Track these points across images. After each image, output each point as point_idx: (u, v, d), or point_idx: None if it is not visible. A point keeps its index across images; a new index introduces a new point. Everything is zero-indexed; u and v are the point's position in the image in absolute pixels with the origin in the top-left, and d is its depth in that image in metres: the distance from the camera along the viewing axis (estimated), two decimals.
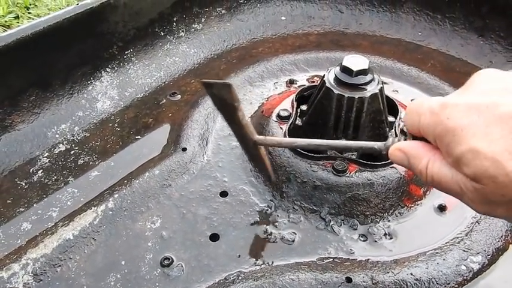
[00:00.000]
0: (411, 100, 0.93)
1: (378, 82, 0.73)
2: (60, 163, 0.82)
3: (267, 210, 0.72)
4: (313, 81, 0.97)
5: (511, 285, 0.65)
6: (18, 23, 1.98)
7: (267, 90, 0.96)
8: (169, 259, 0.65)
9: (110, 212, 0.71)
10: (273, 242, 0.68)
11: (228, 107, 0.54)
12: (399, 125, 0.79)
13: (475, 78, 0.40)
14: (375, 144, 0.51)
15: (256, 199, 0.74)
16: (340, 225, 0.70)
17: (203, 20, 1.11)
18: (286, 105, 0.84)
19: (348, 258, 0.66)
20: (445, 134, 0.38)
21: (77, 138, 0.87)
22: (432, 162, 0.41)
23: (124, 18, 0.97)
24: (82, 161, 0.82)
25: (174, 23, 1.07)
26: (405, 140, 0.46)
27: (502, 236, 0.69)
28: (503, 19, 1.02)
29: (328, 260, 0.66)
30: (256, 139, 0.58)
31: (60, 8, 1.98)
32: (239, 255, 0.66)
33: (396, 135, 0.48)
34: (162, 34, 1.06)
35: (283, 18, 1.17)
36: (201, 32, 1.11)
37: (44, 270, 0.64)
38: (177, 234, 0.69)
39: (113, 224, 0.70)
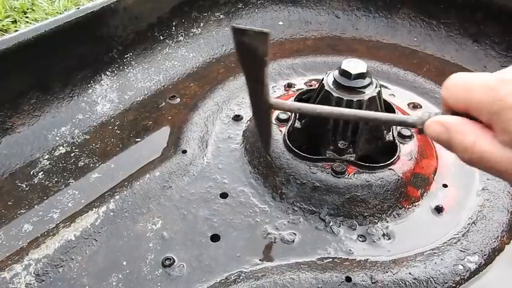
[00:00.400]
0: (407, 104, 0.94)
1: (376, 85, 0.74)
2: (60, 165, 0.82)
3: (267, 211, 0.73)
4: (311, 85, 0.98)
5: (507, 285, 0.66)
6: (15, 27, 1.98)
7: None
8: (170, 259, 0.66)
9: (111, 213, 0.72)
10: (273, 242, 0.69)
11: (255, 61, 0.48)
12: (396, 128, 0.81)
13: None
14: (409, 118, 0.47)
15: (256, 200, 0.75)
16: (339, 225, 0.71)
17: (202, 24, 1.13)
18: None
19: (347, 258, 0.67)
20: (505, 111, 0.36)
21: (77, 141, 0.87)
22: (482, 139, 0.39)
23: (124, 22, 0.98)
24: (82, 163, 0.83)
25: (173, 28, 1.08)
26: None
27: (498, 237, 0.70)
28: (497, 25, 1.04)
29: (328, 260, 0.67)
30: (272, 102, 0.54)
31: (57, 13, 1.99)
32: (240, 256, 0.67)
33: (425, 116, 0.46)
34: (161, 38, 1.07)
35: (280, 23, 1.19)
36: (199, 36, 1.12)
37: (46, 270, 0.64)
38: (178, 235, 0.70)
39: (114, 225, 0.70)
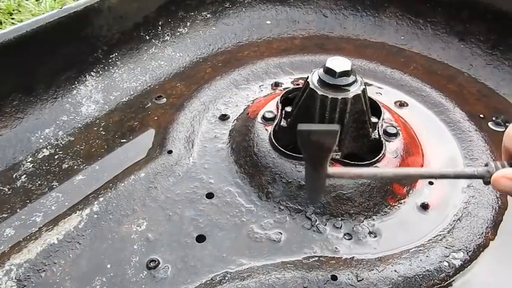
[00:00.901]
0: (394, 102, 0.94)
1: (361, 83, 0.74)
2: (44, 168, 0.81)
3: (253, 210, 0.73)
4: (298, 84, 0.98)
5: (491, 281, 0.66)
6: (1, 28, 1.96)
7: (252, 93, 0.96)
8: (155, 261, 0.65)
9: (95, 216, 0.71)
10: (259, 242, 0.69)
11: (321, 152, 0.47)
12: (382, 125, 0.81)
13: None
14: (475, 171, 0.47)
15: (242, 200, 0.74)
16: (326, 224, 0.71)
17: (188, 24, 1.12)
18: (271, 107, 0.85)
19: (334, 257, 0.67)
20: None
21: (61, 143, 0.86)
22: None
23: (108, 22, 0.97)
24: (66, 166, 0.82)
25: (160, 27, 1.08)
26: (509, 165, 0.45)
27: (482, 233, 0.70)
28: (482, 24, 1.05)
29: (314, 259, 0.66)
30: (330, 172, 0.51)
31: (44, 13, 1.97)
32: (225, 256, 0.67)
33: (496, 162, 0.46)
34: (147, 38, 1.06)
35: (268, 22, 1.18)
36: (186, 36, 1.11)
37: (28, 275, 0.63)
38: (163, 236, 0.69)
39: (98, 227, 0.70)
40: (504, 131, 0.89)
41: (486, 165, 0.46)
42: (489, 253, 0.69)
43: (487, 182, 0.46)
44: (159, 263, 0.65)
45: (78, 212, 0.71)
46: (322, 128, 0.47)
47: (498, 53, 1.02)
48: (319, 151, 0.46)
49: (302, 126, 0.46)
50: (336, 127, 0.45)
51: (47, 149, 0.85)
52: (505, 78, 1.00)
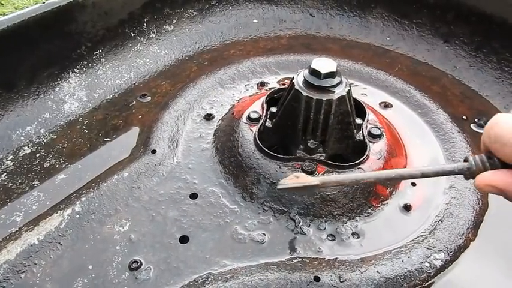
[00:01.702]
0: (379, 103, 0.95)
1: (346, 85, 0.74)
2: (25, 166, 0.80)
3: (237, 211, 0.73)
4: (284, 84, 0.98)
5: (471, 281, 0.67)
6: None
7: (238, 92, 0.96)
8: (137, 262, 0.65)
9: (77, 216, 0.70)
10: (243, 243, 0.69)
11: (309, 191, 0.56)
12: (366, 127, 0.81)
13: None
14: (455, 168, 0.48)
15: (226, 201, 0.74)
16: (309, 225, 0.71)
17: (174, 21, 1.11)
18: (257, 107, 0.84)
19: (317, 258, 0.67)
20: None
21: (43, 141, 0.85)
22: None
23: (93, 18, 0.96)
24: (48, 164, 0.81)
25: (145, 24, 1.06)
26: (488, 161, 0.45)
27: (463, 234, 0.71)
28: (467, 26, 1.06)
29: (297, 260, 0.66)
30: (320, 183, 0.55)
31: (27, 7, 1.94)
32: (209, 257, 0.66)
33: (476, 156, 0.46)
34: (133, 35, 1.05)
35: (255, 21, 1.18)
36: (172, 34, 1.10)
37: (7, 276, 0.62)
38: (146, 237, 0.68)
39: (79, 227, 0.69)
40: None
41: (466, 160, 0.47)
42: (469, 253, 0.70)
43: (467, 178, 0.47)
44: (141, 264, 0.64)
45: (59, 211, 0.70)
46: (300, 185, 0.51)
47: (481, 55, 1.04)
48: (304, 193, 0.53)
49: (281, 185, 0.53)
50: (316, 182, 0.49)
51: (28, 147, 0.84)
52: (488, 80, 1.01)
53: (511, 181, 0.42)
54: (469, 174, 0.46)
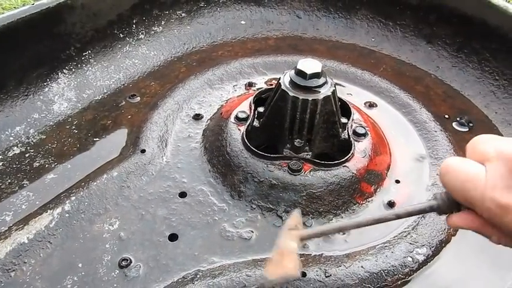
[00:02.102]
0: (364, 103, 0.97)
1: (331, 85, 0.76)
2: (14, 166, 0.81)
3: (225, 209, 0.74)
4: (272, 84, 1.00)
5: (453, 274, 0.69)
6: None
7: (226, 93, 0.97)
8: (127, 260, 0.66)
9: (67, 215, 0.71)
10: (231, 240, 0.70)
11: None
12: (351, 126, 0.83)
13: None
14: (426, 207, 0.49)
15: (214, 199, 0.75)
16: None
17: (163, 22, 1.12)
18: (245, 107, 0.86)
19: (303, 254, 0.69)
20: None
21: (32, 141, 0.86)
22: (504, 238, 0.43)
23: (82, 19, 0.97)
24: (38, 164, 0.81)
25: (134, 25, 1.07)
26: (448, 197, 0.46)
27: (445, 229, 0.73)
28: (448, 27, 1.08)
29: None
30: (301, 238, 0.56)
31: (15, 8, 1.93)
32: (197, 254, 0.68)
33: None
34: (122, 36, 1.06)
35: (242, 22, 1.20)
36: (161, 35, 1.11)
37: None
38: (135, 235, 0.69)
39: (69, 226, 0.70)
40: (467, 131, 0.93)
41: (435, 198, 0.48)
42: (451, 248, 0.72)
43: (440, 214, 0.48)
44: (131, 262, 0.66)
45: (49, 211, 0.71)
46: (282, 278, 0.54)
47: (463, 55, 1.06)
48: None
49: (266, 284, 0.59)
50: (295, 274, 0.53)
51: (17, 147, 0.84)
52: (469, 80, 1.04)
53: (473, 225, 0.44)
54: (440, 212, 0.48)
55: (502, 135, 0.93)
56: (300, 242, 0.55)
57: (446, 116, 0.97)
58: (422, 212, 0.50)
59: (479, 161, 0.42)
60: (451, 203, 0.46)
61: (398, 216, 0.51)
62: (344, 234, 0.72)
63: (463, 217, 0.45)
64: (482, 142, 0.43)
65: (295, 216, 0.58)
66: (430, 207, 0.48)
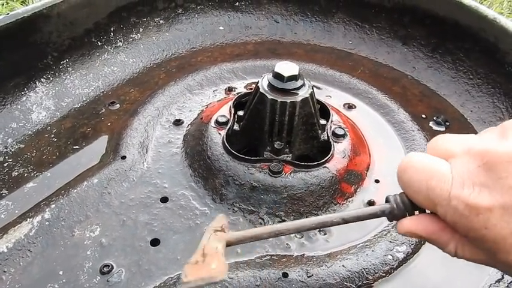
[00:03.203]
0: (343, 104, 0.98)
1: (309, 87, 0.77)
2: None
3: (207, 213, 0.74)
4: (251, 88, 1.00)
5: (432, 271, 0.71)
6: None
7: (206, 98, 0.98)
8: (108, 266, 0.66)
9: (47, 223, 0.70)
10: None
11: None
12: (331, 127, 0.84)
13: (498, 167, 0.35)
14: (377, 211, 0.45)
15: (196, 203, 0.76)
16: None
17: (141, 29, 1.12)
18: (225, 112, 0.86)
19: (285, 255, 0.69)
20: (483, 241, 0.36)
21: (10, 150, 0.85)
22: (461, 247, 0.39)
23: (58, 28, 0.96)
24: (16, 173, 0.80)
25: (112, 33, 1.07)
26: (409, 201, 0.42)
27: None
28: (423, 28, 1.11)
29: (266, 258, 0.69)
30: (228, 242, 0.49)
31: None
32: (180, 258, 0.68)
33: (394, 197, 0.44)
34: (99, 44, 1.05)
35: (221, 28, 1.20)
36: (139, 42, 1.11)
37: None
38: (117, 241, 0.69)
39: (49, 234, 0.69)
40: (444, 130, 0.95)
41: (387, 200, 0.45)
42: (430, 245, 0.73)
43: (390, 220, 0.45)
44: (112, 268, 0.65)
45: (28, 219, 0.70)
46: (203, 280, 0.45)
47: (438, 56, 1.09)
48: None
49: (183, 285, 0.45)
50: (221, 276, 0.44)
51: None
52: (445, 80, 1.06)
53: (430, 229, 0.40)
54: (392, 217, 0.44)
55: (477, 133, 0.95)
56: (225, 245, 0.48)
57: (424, 116, 0.99)
58: (372, 216, 0.46)
59: (442, 158, 0.39)
60: (406, 207, 0.42)
61: (345, 221, 0.46)
62: (325, 234, 0.73)
63: (417, 220, 0.41)
64: (444, 140, 0.40)
65: (221, 218, 0.52)
66: (382, 212, 0.44)
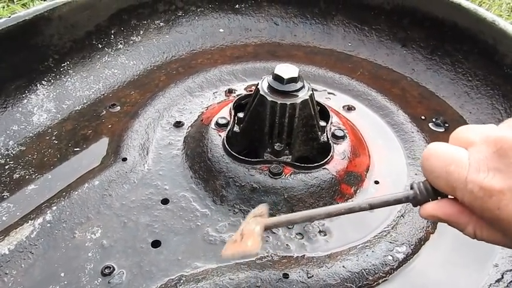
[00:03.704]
0: (342, 106, 0.99)
1: (308, 89, 0.77)
2: None
3: (208, 214, 0.75)
4: (251, 90, 1.01)
5: (432, 271, 0.71)
6: None
7: (206, 100, 0.98)
8: (110, 268, 0.66)
9: (48, 225, 0.70)
10: (214, 244, 0.71)
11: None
12: (330, 129, 0.85)
13: (510, 153, 0.38)
14: (402, 197, 0.48)
15: (197, 205, 0.76)
16: None
17: (142, 32, 1.13)
18: (225, 114, 0.87)
19: (286, 256, 0.70)
20: (497, 221, 0.39)
21: (11, 153, 0.85)
22: (479, 229, 0.42)
23: (59, 30, 0.97)
24: (18, 175, 0.81)
25: (112, 36, 1.08)
26: (431, 188, 0.46)
27: (423, 227, 0.75)
28: (422, 30, 1.12)
29: (267, 259, 0.69)
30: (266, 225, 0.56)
31: None
32: (181, 260, 0.68)
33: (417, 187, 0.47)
34: (100, 46, 1.06)
35: (221, 30, 1.21)
36: (140, 44, 1.12)
37: None
38: (118, 243, 0.70)
39: (51, 236, 0.69)
40: (443, 131, 0.96)
41: (411, 187, 0.48)
42: (430, 246, 0.74)
43: (415, 205, 0.48)
44: (114, 269, 0.66)
45: (30, 221, 0.70)
46: (239, 254, 0.53)
47: (437, 58, 1.09)
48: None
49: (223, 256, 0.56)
50: (254, 252, 0.52)
51: None
52: (444, 81, 1.07)
53: (450, 212, 0.44)
54: (415, 202, 0.47)
55: None
56: (264, 228, 0.55)
57: (423, 117, 0.99)
58: (397, 202, 0.49)
59: (463, 147, 0.42)
60: (429, 193, 0.46)
61: (372, 206, 0.50)
62: (326, 235, 0.74)
63: (438, 204, 0.45)
64: (465, 130, 0.44)
65: (262, 206, 0.59)
66: (406, 198, 0.48)
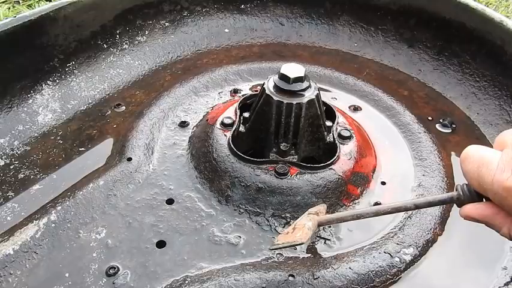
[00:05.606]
0: (348, 106, 0.98)
1: (314, 88, 0.77)
2: None
3: (213, 215, 0.74)
4: (256, 90, 1.00)
5: (439, 274, 0.70)
6: None
7: (211, 100, 0.98)
8: (114, 268, 0.65)
9: (53, 225, 0.70)
10: (219, 245, 0.70)
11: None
12: (336, 129, 0.84)
13: None
14: (446, 198, 0.52)
15: (202, 205, 0.75)
16: (284, 226, 0.73)
17: (147, 32, 1.12)
18: (230, 113, 0.86)
19: (291, 257, 0.69)
20: None
21: (17, 153, 0.85)
22: None
23: (65, 30, 0.97)
24: (23, 175, 0.81)
25: (117, 36, 1.08)
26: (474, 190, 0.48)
27: (431, 229, 0.74)
28: (428, 31, 1.11)
29: (273, 260, 0.68)
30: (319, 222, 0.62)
31: None
32: (186, 260, 0.67)
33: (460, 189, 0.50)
34: (105, 46, 1.06)
35: (226, 30, 1.21)
36: (145, 44, 1.12)
37: None
38: (122, 243, 0.69)
39: (55, 236, 0.69)
40: (450, 132, 0.95)
41: (456, 189, 0.50)
42: (437, 248, 0.73)
43: (459, 206, 0.50)
44: (118, 270, 0.65)
45: (35, 221, 0.70)
46: (288, 243, 0.59)
47: (444, 58, 1.08)
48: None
49: (271, 247, 0.63)
50: (301, 242, 0.57)
51: (1, 159, 0.83)
52: (451, 82, 1.06)
53: (485, 213, 0.46)
54: (459, 203, 0.50)
55: (484, 135, 0.95)
56: (316, 224, 0.60)
57: (430, 118, 0.98)
58: (442, 202, 0.52)
59: (499, 149, 0.44)
60: (471, 195, 0.48)
61: (417, 206, 0.53)
62: (332, 236, 0.73)
63: (475, 206, 0.47)
64: (505, 133, 0.45)
65: (320, 206, 0.66)
66: (450, 198, 0.50)
